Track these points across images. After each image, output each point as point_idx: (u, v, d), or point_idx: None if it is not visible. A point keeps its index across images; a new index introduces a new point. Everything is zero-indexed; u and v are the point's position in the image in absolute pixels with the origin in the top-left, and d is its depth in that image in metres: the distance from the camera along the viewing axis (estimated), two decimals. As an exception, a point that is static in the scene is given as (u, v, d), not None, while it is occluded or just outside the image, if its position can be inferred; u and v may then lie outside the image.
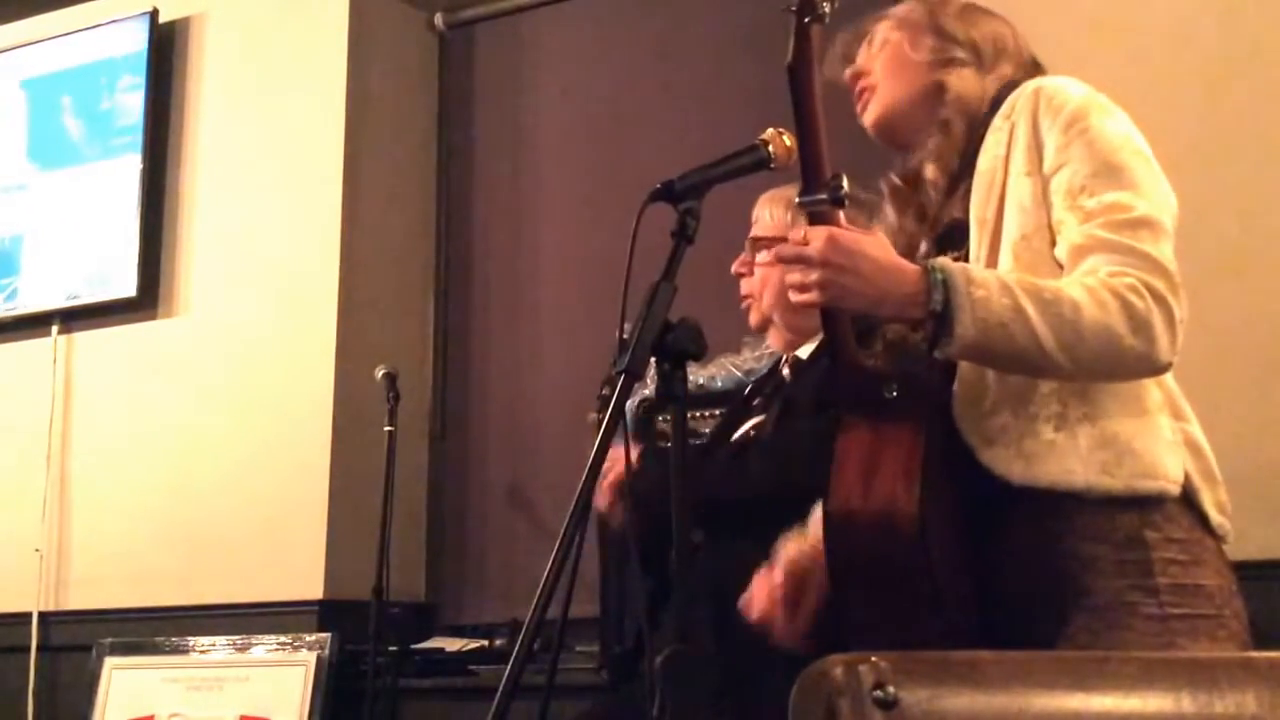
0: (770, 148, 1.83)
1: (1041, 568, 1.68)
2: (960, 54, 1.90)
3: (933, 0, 1.97)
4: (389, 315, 4.39)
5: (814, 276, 1.68)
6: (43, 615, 4.40)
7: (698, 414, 2.84)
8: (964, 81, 1.88)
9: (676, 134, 4.09)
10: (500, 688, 1.51)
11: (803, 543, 1.92)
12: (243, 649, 3.92)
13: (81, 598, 4.41)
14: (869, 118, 1.97)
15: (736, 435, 2.48)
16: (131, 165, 4.55)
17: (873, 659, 0.95)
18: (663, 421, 2.85)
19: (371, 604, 3.63)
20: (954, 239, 1.84)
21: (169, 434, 4.38)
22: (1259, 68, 3.11)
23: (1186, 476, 1.70)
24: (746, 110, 3.41)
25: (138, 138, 4.55)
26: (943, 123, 1.87)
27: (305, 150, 4.37)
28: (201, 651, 3.98)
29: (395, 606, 3.82)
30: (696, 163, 1.80)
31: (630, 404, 2.77)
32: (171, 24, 4.68)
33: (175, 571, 4.25)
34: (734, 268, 2.57)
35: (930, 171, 1.87)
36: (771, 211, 2.51)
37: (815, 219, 1.73)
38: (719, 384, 2.96)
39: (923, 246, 1.86)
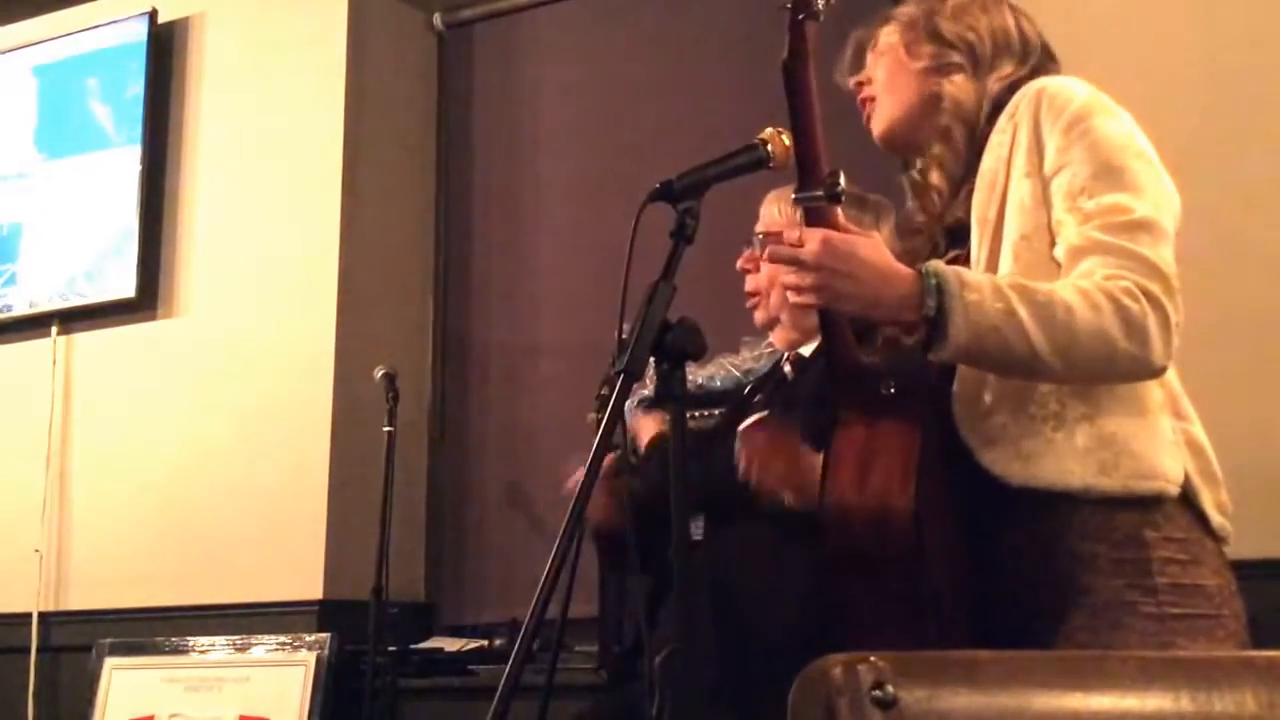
0: (769, 147, 1.83)
1: (1040, 567, 1.68)
2: (956, 58, 1.89)
3: (930, 1, 1.97)
4: (388, 315, 4.39)
5: (809, 280, 1.68)
6: (43, 615, 4.40)
7: (697, 414, 2.84)
8: (959, 88, 1.87)
9: (675, 134, 4.09)
10: (500, 688, 1.51)
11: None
12: (242, 649, 3.92)
13: (81, 598, 4.41)
14: (874, 132, 1.98)
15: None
16: (131, 165, 4.55)
17: (872, 658, 0.95)
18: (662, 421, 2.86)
19: (371, 604, 3.63)
20: (958, 239, 1.85)
21: (169, 434, 4.38)
22: (1260, 67, 3.11)
23: (1186, 477, 1.70)
24: (745, 110, 3.41)
25: (137, 138, 4.55)
26: (942, 130, 1.88)
27: (304, 150, 4.37)
28: (201, 652, 3.98)
29: (395, 606, 3.82)
30: (695, 162, 1.80)
31: (629, 404, 2.78)
32: (171, 24, 4.68)
33: (175, 571, 4.25)
34: (740, 264, 2.56)
35: (935, 177, 1.88)
36: (779, 208, 2.51)
37: (812, 215, 1.73)
38: (718, 384, 2.96)
39: (940, 244, 1.86)
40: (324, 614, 3.99)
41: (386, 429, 3.82)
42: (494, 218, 4.54)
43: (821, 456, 1.77)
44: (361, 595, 3.68)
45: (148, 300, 4.50)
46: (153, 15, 4.62)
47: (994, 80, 1.87)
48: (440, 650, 3.89)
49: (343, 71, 4.35)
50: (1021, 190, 1.77)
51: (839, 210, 1.74)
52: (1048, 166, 1.76)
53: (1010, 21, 1.93)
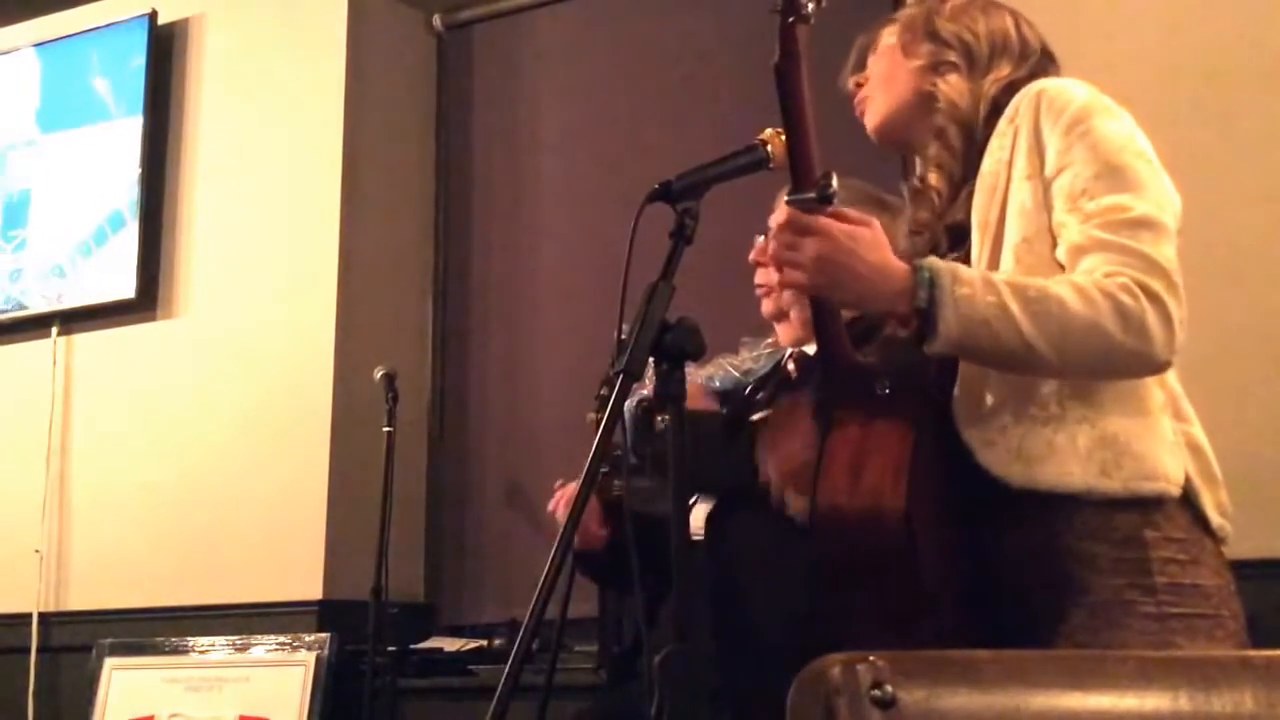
0: (769, 148, 1.83)
1: (1040, 566, 1.68)
2: (952, 57, 1.89)
3: (930, 1, 1.97)
4: (388, 316, 4.40)
5: (805, 267, 1.68)
6: (43, 616, 4.41)
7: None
8: (953, 88, 1.88)
9: (674, 134, 4.09)
10: (499, 687, 1.52)
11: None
12: (242, 649, 3.92)
13: (81, 598, 4.41)
14: (867, 126, 1.98)
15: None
16: (131, 165, 4.55)
17: (870, 658, 0.95)
18: (661, 422, 2.86)
19: (370, 604, 3.63)
20: (959, 241, 1.85)
21: (169, 434, 4.38)
22: (1260, 67, 3.11)
23: (1187, 478, 1.70)
24: (744, 110, 3.41)
25: (137, 138, 4.55)
26: (938, 131, 1.88)
27: (304, 151, 4.37)
28: (201, 652, 3.98)
29: (394, 606, 3.82)
30: (695, 163, 1.80)
31: (629, 404, 2.78)
32: (171, 25, 4.68)
33: (175, 572, 4.25)
34: (753, 256, 2.56)
35: (934, 178, 1.88)
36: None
37: None
38: (717, 384, 2.96)
39: (942, 245, 1.86)
40: (324, 614, 3.99)
41: (386, 429, 3.82)
42: (494, 218, 4.54)
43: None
44: (361, 595, 3.68)
45: (148, 300, 4.50)
46: (153, 16, 4.62)
47: (990, 81, 1.87)
48: (440, 650, 3.89)
49: (343, 72, 4.35)
50: (1022, 193, 1.77)
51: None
52: (1048, 169, 1.76)
53: (1009, 24, 1.93)
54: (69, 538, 4.48)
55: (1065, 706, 0.99)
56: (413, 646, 3.88)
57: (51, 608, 4.43)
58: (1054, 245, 1.74)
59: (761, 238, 2.54)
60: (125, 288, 4.49)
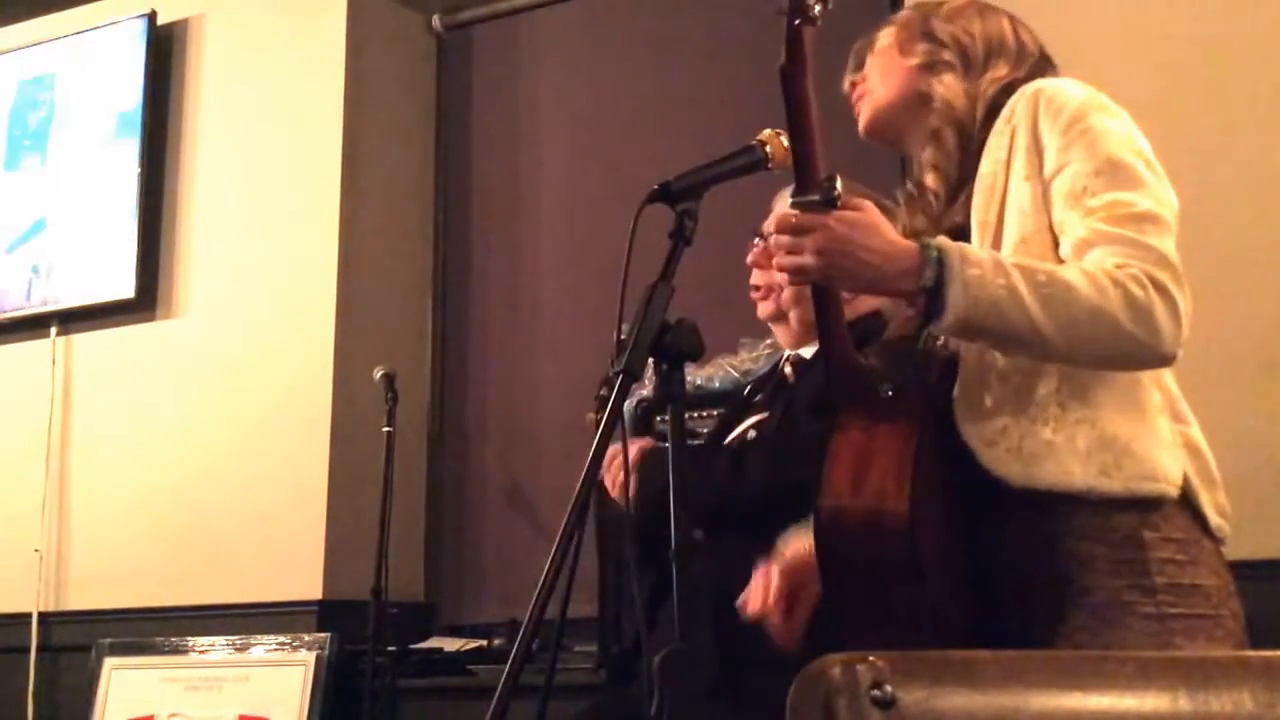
0: (767, 149, 1.83)
1: (1040, 567, 1.68)
2: (947, 57, 1.90)
3: (927, 3, 1.98)
4: (387, 316, 4.40)
5: (808, 262, 1.68)
6: (43, 615, 4.41)
7: (695, 414, 2.85)
8: (948, 88, 1.88)
9: (674, 135, 4.09)
10: (499, 687, 1.52)
11: (802, 541, 1.93)
12: (242, 649, 3.92)
13: (81, 598, 4.41)
14: (860, 122, 1.99)
15: (736, 433, 2.49)
16: (130, 166, 4.55)
17: (870, 658, 0.95)
18: (660, 422, 2.86)
19: (370, 604, 3.63)
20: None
21: (168, 434, 4.39)
22: (1260, 67, 3.11)
23: (1185, 479, 1.70)
24: (744, 111, 3.42)
25: (136, 139, 4.55)
26: (933, 132, 1.88)
27: (303, 151, 4.38)
28: (201, 652, 3.98)
29: (394, 606, 3.82)
30: (694, 164, 1.80)
31: (628, 404, 2.78)
32: (170, 26, 4.69)
33: (175, 572, 4.25)
34: (751, 258, 2.56)
35: (931, 180, 1.88)
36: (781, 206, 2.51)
37: None
38: (717, 384, 2.97)
39: None
40: (324, 614, 3.99)
41: (385, 429, 3.82)
42: (493, 218, 4.54)
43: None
44: (361, 595, 3.68)
45: (148, 300, 4.50)
46: (152, 17, 4.62)
47: (987, 81, 1.87)
48: (440, 650, 3.89)
49: (342, 72, 4.35)
50: (1021, 193, 1.77)
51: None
52: (1047, 168, 1.76)
53: (1006, 27, 1.93)
54: (69, 538, 4.48)
55: (1065, 707, 0.99)
56: (413, 646, 3.88)
57: (51, 607, 4.43)
58: (1053, 245, 1.74)
59: (759, 240, 2.54)
60: (125, 288, 4.49)
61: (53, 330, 4.62)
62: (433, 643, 3.98)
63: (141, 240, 4.49)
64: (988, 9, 1.95)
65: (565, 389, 4.11)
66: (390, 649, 3.72)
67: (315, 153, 4.34)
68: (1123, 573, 1.66)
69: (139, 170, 4.53)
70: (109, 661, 4.10)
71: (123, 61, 4.64)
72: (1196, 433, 1.76)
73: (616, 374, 1.64)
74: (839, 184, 1.70)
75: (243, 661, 3.90)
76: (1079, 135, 1.74)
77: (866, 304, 2.30)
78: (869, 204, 1.73)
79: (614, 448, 2.33)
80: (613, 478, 2.41)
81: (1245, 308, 2.99)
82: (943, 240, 1.68)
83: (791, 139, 1.75)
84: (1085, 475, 1.67)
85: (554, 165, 4.45)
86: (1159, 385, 1.75)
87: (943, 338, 1.79)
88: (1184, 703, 1.00)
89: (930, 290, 1.65)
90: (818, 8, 1.72)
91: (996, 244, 1.78)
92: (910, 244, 1.69)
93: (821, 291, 1.77)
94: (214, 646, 3.97)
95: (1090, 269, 1.66)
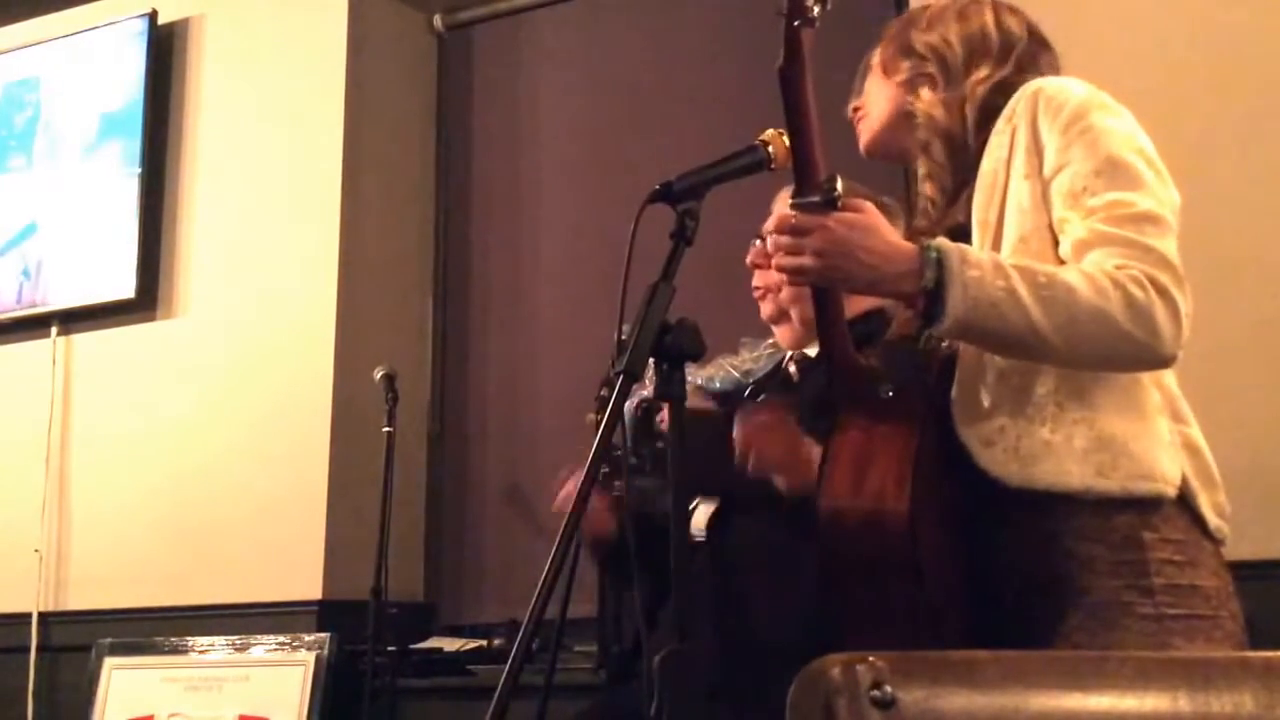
0: (770, 148, 1.83)
1: (1038, 567, 1.69)
2: (929, 70, 1.91)
3: (911, 12, 1.98)
4: (388, 316, 4.40)
5: (808, 263, 1.68)
6: (43, 615, 4.41)
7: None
8: (928, 104, 1.89)
9: (675, 135, 4.10)
10: (499, 687, 1.52)
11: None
12: (242, 649, 3.92)
13: (81, 598, 4.41)
14: (860, 145, 2.01)
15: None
16: (131, 166, 4.55)
17: (870, 658, 0.95)
18: (660, 422, 2.86)
19: (370, 604, 3.64)
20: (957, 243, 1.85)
21: (168, 434, 4.39)
22: (1261, 67, 3.11)
23: (1184, 479, 1.70)
24: (746, 111, 3.41)
25: (137, 139, 4.55)
26: (923, 146, 1.90)
27: (304, 151, 4.38)
28: (201, 651, 3.98)
29: (394, 606, 3.82)
30: (695, 163, 1.80)
31: (629, 405, 2.78)
32: (171, 25, 4.69)
33: (175, 571, 4.25)
34: (750, 258, 2.56)
35: (927, 188, 1.90)
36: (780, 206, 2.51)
37: None
38: (717, 385, 2.96)
39: None
40: (323, 614, 3.99)
41: (386, 429, 3.83)
42: (494, 218, 4.54)
43: (819, 446, 1.77)
44: (361, 595, 3.68)
45: (148, 300, 4.50)
46: (153, 16, 4.62)
47: (972, 84, 1.87)
48: (439, 650, 3.89)
49: (343, 72, 4.35)
50: (1020, 192, 1.77)
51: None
52: (1047, 167, 1.76)
53: (988, 20, 1.92)
54: (69, 538, 4.48)
55: (1065, 707, 0.99)
56: (412, 646, 3.88)
57: (51, 607, 4.43)
58: (1053, 243, 1.74)
59: (758, 241, 2.54)
60: (125, 288, 4.49)
61: (53, 330, 4.62)
62: (433, 643, 3.98)
63: (142, 240, 4.49)
64: (968, 6, 1.94)
65: (565, 389, 4.10)
66: (390, 649, 3.72)
67: (315, 153, 4.34)
68: (1121, 573, 1.66)
69: (139, 170, 4.53)
70: (109, 661, 4.09)
71: (119, 62, 4.64)
72: (1196, 433, 1.76)
73: (617, 374, 1.64)
74: (839, 185, 1.70)
75: (243, 661, 3.90)
76: (1079, 134, 1.74)
77: (866, 302, 2.30)
78: (869, 205, 1.73)
79: (571, 482, 2.35)
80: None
81: (1246, 307, 2.99)
82: (942, 242, 1.68)
83: (791, 140, 1.76)
84: (1083, 475, 1.67)
85: (554, 165, 4.45)
86: (1159, 385, 1.75)
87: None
88: (1184, 703, 1.00)
89: (930, 292, 1.65)
90: (816, 9, 1.72)
91: (997, 242, 1.78)
92: (910, 245, 1.69)
93: (822, 291, 1.77)
94: (214, 646, 3.97)
95: (1090, 270, 1.65)
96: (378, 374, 3.90)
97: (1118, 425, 1.69)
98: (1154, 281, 1.65)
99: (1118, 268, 1.65)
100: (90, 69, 4.72)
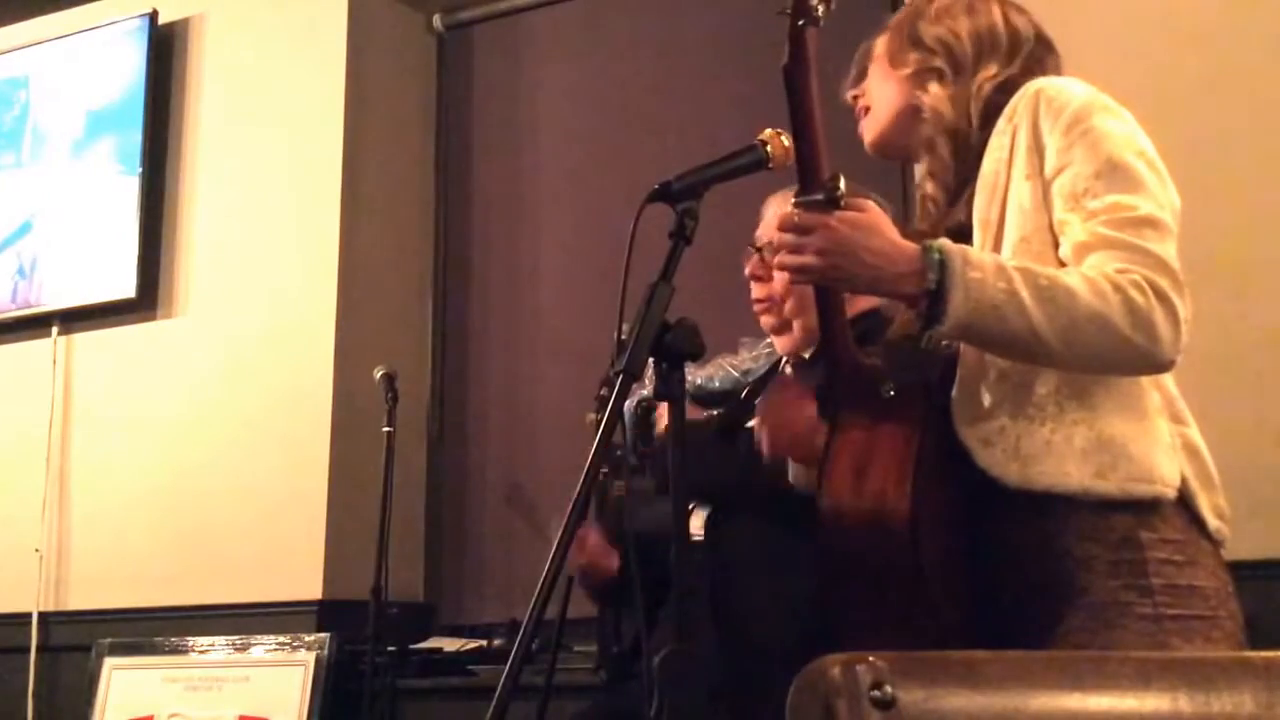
0: (768, 148, 1.83)
1: (1037, 567, 1.68)
2: (937, 63, 1.89)
3: (917, 3, 1.97)
4: (388, 316, 4.40)
5: (810, 262, 1.68)
6: (43, 615, 4.41)
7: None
8: (935, 98, 1.87)
9: (674, 135, 4.10)
10: (499, 687, 1.52)
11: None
12: (242, 649, 3.92)
13: (81, 598, 4.41)
14: (865, 141, 1.99)
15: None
16: (131, 166, 4.55)
17: (870, 659, 0.95)
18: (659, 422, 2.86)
19: (370, 604, 3.63)
20: (960, 242, 1.85)
21: (168, 434, 4.39)
22: (1261, 67, 3.11)
23: (1183, 480, 1.70)
24: (744, 111, 3.42)
25: (137, 139, 4.56)
26: (927, 142, 1.88)
27: (304, 151, 4.38)
28: (201, 652, 3.98)
29: (394, 607, 3.82)
30: (694, 163, 1.80)
31: (628, 404, 2.78)
32: (171, 25, 4.69)
33: (175, 572, 4.25)
34: (749, 270, 2.55)
35: (929, 187, 1.89)
36: (775, 212, 2.51)
37: None
38: (716, 384, 2.96)
39: None
40: (323, 614, 4.00)
41: (385, 429, 3.83)
42: (494, 218, 4.54)
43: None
44: (361, 595, 3.68)
45: (148, 300, 4.51)
46: (153, 16, 4.62)
47: (980, 81, 1.87)
48: (439, 650, 3.89)
49: (343, 72, 4.35)
50: (1021, 192, 1.77)
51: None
52: (1048, 168, 1.76)
53: (997, 18, 1.90)
54: (69, 538, 4.48)
55: (1065, 707, 0.99)
56: (412, 646, 3.88)
57: (51, 607, 4.44)
58: (1053, 244, 1.74)
59: (756, 252, 2.52)
60: (125, 288, 4.49)
61: (53, 330, 4.63)
62: (433, 643, 3.98)
63: (142, 240, 4.49)
64: (976, 1, 1.93)
65: (565, 389, 4.11)
66: (390, 649, 3.72)
67: (315, 152, 4.34)
68: (1120, 573, 1.66)
69: (140, 170, 4.53)
70: (109, 661, 4.10)
71: (118, 61, 4.64)
72: (1195, 434, 1.76)
73: (616, 374, 1.64)
74: (842, 184, 1.70)
75: (243, 661, 3.90)
76: (1080, 136, 1.74)
77: (864, 302, 2.30)
78: (871, 204, 1.73)
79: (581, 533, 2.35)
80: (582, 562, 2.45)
81: (1245, 308, 2.99)
82: (945, 243, 1.68)
83: (795, 139, 1.76)
84: (1081, 476, 1.67)
85: (554, 165, 4.45)
86: (1158, 386, 1.74)
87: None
88: (1184, 703, 1.00)
89: (932, 293, 1.65)
90: (821, 8, 1.72)
91: (998, 242, 1.78)
92: (912, 246, 1.68)
93: (824, 291, 1.77)
94: (214, 646, 3.97)
95: (1091, 274, 1.65)
96: (378, 374, 3.90)
97: (1118, 426, 1.69)
98: (1154, 287, 1.65)
99: (1119, 272, 1.65)
100: (90, 69, 4.72)
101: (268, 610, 4.06)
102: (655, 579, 1.77)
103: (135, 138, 4.56)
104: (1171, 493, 1.68)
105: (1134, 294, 1.64)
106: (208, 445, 4.32)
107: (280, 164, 4.42)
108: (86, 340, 4.63)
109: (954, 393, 1.76)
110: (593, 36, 4.46)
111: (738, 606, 2.22)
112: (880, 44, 1.97)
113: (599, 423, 1.69)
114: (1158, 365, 1.69)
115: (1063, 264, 1.72)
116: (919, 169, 1.96)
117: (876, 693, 0.93)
